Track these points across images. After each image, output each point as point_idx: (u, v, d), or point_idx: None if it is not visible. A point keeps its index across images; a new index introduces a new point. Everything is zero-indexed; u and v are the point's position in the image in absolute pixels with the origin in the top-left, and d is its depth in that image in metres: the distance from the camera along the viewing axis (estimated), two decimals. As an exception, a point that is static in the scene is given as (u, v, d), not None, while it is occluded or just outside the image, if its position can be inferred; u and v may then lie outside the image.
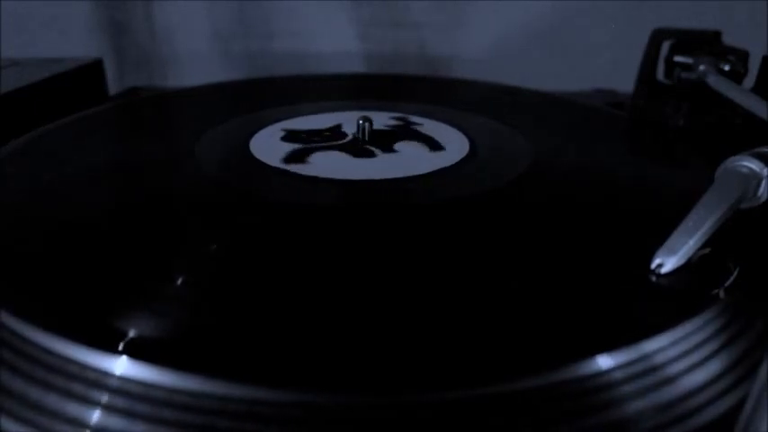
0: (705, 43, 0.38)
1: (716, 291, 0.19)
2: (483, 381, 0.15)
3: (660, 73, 0.40)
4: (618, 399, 0.16)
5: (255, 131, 0.32)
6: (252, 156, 0.29)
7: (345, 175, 0.26)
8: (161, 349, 0.16)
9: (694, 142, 0.35)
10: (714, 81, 0.34)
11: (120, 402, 0.15)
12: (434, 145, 0.30)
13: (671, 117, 0.39)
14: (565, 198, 0.26)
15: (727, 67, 0.36)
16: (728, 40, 0.39)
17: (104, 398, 0.15)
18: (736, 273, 0.20)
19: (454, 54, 0.59)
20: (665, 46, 0.39)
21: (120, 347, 0.16)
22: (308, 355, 0.16)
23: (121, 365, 0.16)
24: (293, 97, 0.39)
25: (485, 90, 0.44)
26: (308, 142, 0.31)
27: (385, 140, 0.31)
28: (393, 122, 0.34)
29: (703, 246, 0.20)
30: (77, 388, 0.16)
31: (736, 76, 0.36)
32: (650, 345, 0.16)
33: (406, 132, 0.32)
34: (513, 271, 0.20)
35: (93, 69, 0.46)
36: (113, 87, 0.51)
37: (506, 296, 0.19)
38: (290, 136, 0.32)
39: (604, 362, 0.16)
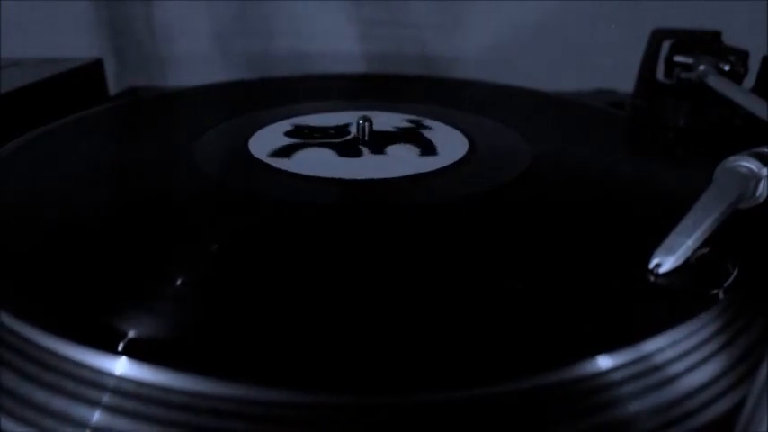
0: (705, 43, 0.38)
1: (715, 291, 0.19)
2: (482, 381, 0.15)
3: (660, 73, 0.40)
4: (617, 399, 0.16)
5: (255, 132, 0.32)
6: (251, 155, 0.29)
7: (321, 173, 0.26)
8: (160, 349, 0.16)
9: (694, 142, 0.35)
10: (714, 81, 0.34)
11: (119, 402, 0.15)
12: (428, 149, 0.30)
13: (671, 117, 0.39)
14: (564, 198, 0.26)
15: (727, 67, 0.36)
16: (728, 40, 0.39)
17: (104, 397, 0.15)
18: (735, 273, 0.20)
19: (454, 54, 0.59)
20: (665, 46, 0.39)
21: (120, 348, 0.16)
22: (308, 355, 0.16)
23: (121, 365, 0.16)
24: (293, 97, 0.39)
25: (485, 90, 0.44)
26: (308, 138, 0.31)
27: (382, 142, 0.31)
28: (405, 124, 0.34)
29: (702, 246, 0.20)
30: (77, 388, 0.16)
31: (736, 76, 0.36)
32: (649, 345, 0.16)
33: (407, 135, 0.32)
34: (512, 271, 0.20)
35: (93, 69, 0.46)
36: (113, 87, 0.51)
37: (505, 297, 0.19)
38: (294, 131, 0.32)
39: (604, 362, 0.16)
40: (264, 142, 0.30)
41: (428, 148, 0.30)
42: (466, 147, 0.30)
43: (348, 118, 0.34)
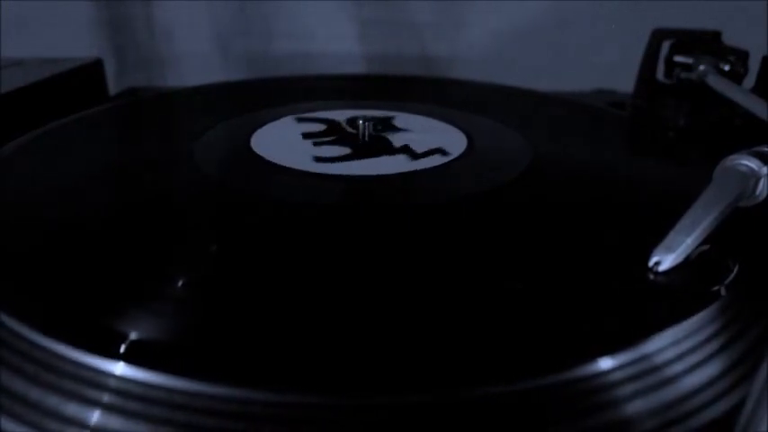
0: (705, 43, 0.38)
1: (716, 289, 0.19)
2: (482, 381, 0.15)
3: (660, 73, 0.40)
4: (617, 399, 0.16)
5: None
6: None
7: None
8: (161, 351, 0.16)
9: (694, 142, 0.35)
10: (714, 81, 0.34)
11: (119, 403, 0.15)
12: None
13: (671, 117, 0.39)
14: (564, 198, 0.26)
15: (727, 67, 0.36)
16: (728, 40, 0.39)
17: (104, 398, 0.15)
18: (735, 271, 0.20)
19: (454, 54, 0.59)
20: (665, 46, 0.39)
21: (120, 350, 0.16)
22: (308, 355, 0.16)
23: (121, 367, 0.16)
24: (293, 97, 0.39)
25: (484, 90, 0.44)
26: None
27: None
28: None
29: (702, 244, 0.20)
30: (77, 388, 0.16)
31: (736, 76, 0.36)
32: (649, 344, 0.16)
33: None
34: (512, 272, 0.20)
35: (93, 69, 0.46)
36: (113, 87, 0.51)
37: (505, 297, 0.19)
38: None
39: (604, 362, 0.16)
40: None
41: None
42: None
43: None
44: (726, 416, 0.16)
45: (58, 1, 0.55)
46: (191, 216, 0.25)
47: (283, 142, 0.30)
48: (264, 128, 0.32)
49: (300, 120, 0.34)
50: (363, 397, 0.15)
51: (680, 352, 0.17)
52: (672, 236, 0.20)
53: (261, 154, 0.29)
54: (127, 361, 0.15)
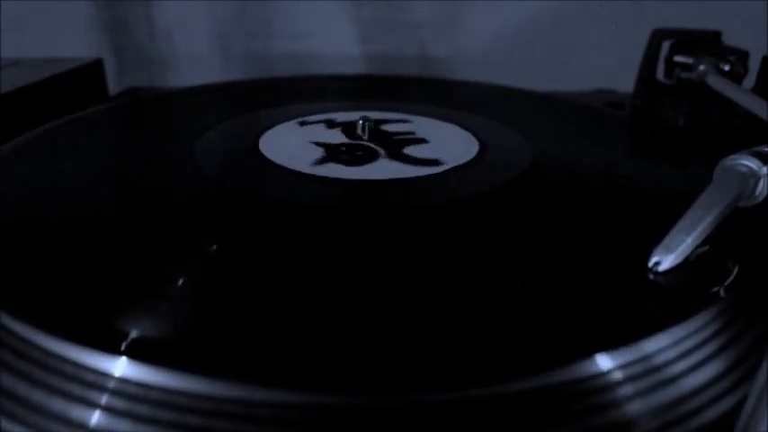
0: (705, 43, 0.38)
1: (715, 289, 0.19)
2: (481, 381, 0.15)
3: (660, 73, 0.40)
4: (617, 399, 0.16)
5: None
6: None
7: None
8: (161, 350, 0.16)
9: (694, 142, 0.35)
10: (714, 81, 0.34)
11: (118, 403, 0.15)
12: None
13: (671, 117, 0.39)
14: (564, 198, 0.26)
15: (727, 67, 0.36)
16: (728, 40, 0.39)
17: (104, 399, 0.15)
18: (735, 272, 0.20)
19: (454, 54, 0.59)
20: (665, 46, 0.39)
21: (120, 348, 0.16)
22: (308, 355, 0.16)
23: (121, 366, 0.16)
24: (293, 98, 0.39)
25: (484, 90, 0.44)
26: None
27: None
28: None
29: (701, 244, 0.20)
30: (77, 389, 0.16)
31: (736, 76, 0.36)
32: (649, 344, 0.16)
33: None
34: (513, 271, 0.20)
35: (93, 69, 0.46)
36: (113, 87, 0.51)
37: (504, 296, 0.19)
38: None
39: (603, 362, 0.16)
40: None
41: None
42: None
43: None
44: (726, 416, 0.16)
45: (58, 1, 0.55)
46: (190, 216, 0.25)
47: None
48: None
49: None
50: (363, 397, 0.15)
51: (679, 352, 0.17)
52: (671, 236, 0.20)
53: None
54: (129, 357, 0.15)
